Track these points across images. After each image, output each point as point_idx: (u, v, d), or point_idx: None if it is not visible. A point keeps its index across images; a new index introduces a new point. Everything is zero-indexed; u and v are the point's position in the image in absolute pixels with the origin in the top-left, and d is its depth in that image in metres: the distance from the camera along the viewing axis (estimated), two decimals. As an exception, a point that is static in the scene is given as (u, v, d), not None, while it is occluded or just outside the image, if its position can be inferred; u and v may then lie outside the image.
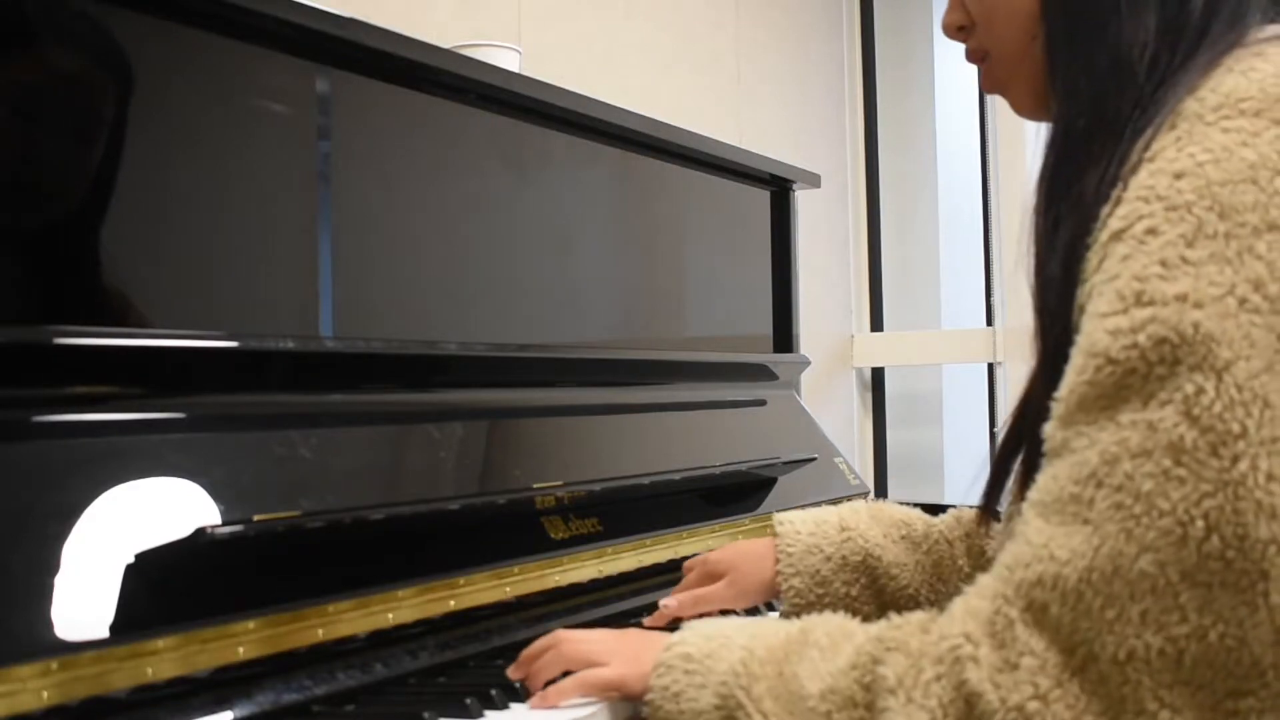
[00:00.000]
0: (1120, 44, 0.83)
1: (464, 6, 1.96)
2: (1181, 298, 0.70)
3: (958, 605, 0.77)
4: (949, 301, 3.36)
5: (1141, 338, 0.71)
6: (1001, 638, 0.72)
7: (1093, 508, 0.71)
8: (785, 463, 1.70)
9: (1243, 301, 0.70)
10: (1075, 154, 0.83)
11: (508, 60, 1.55)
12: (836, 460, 1.87)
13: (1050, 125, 0.89)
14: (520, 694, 0.96)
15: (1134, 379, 0.71)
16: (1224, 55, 0.79)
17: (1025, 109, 0.95)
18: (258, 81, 1.12)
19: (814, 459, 1.79)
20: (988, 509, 1.03)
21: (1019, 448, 0.92)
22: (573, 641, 0.96)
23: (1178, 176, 0.74)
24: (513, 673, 0.98)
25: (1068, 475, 0.73)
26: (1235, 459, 0.68)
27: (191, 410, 0.99)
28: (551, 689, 0.92)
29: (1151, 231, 0.73)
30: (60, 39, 0.95)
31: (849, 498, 1.75)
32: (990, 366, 3.12)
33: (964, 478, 3.25)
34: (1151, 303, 0.71)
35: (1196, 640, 0.68)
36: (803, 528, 1.21)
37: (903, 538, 1.21)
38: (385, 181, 1.26)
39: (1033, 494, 0.75)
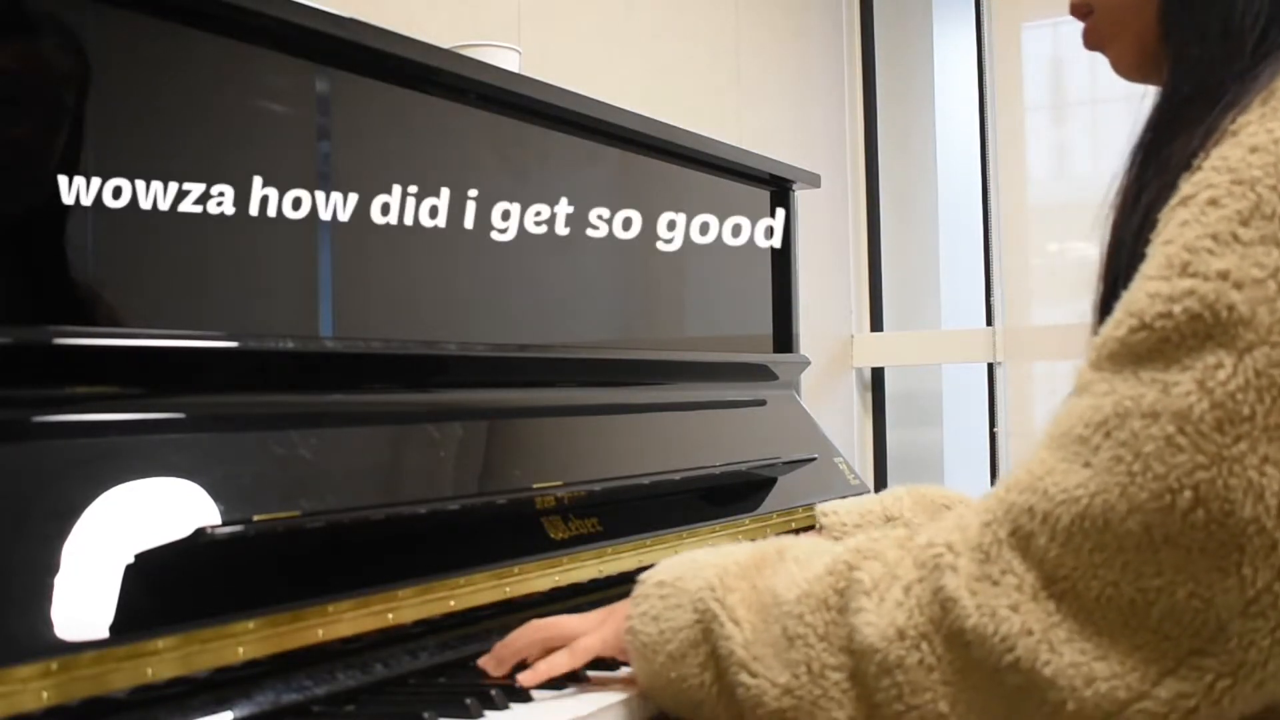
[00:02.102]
0: (1233, 13, 0.83)
1: (464, 6, 1.96)
2: (1224, 275, 0.71)
3: (950, 518, 0.80)
4: (949, 301, 3.36)
5: (1177, 309, 0.72)
6: (986, 552, 0.75)
7: (1097, 454, 0.73)
8: (785, 463, 1.70)
9: None
10: (1172, 120, 0.84)
11: (508, 60, 1.55)
12: (836, 460, 1.87)
13: (1158, 90, 0.89)
14: (521, 694, 0.95)
15: (1165, 346, 0.72)
16: None
17: (1125, 67, 0.95)
18: (258, 81, 1.12)
19: (814, 459, 1.79)
20: None
21: None
22: (546, 623, 0.99)
23: (1252, 150, 0.74)
24: (485, 664, 0.99)
25: (1080, 416, 0.75)
26: (1237, 438, 0.69)
27: (191, 410, 0.99)
28: (543, 663, 0.94)
29: (1213, 202, 0.74)
30: (58, 38, 0.95)
31: (849, 497, 1.75)
32: (990, 366, 3.12)
33: (964, 478, 3.25)
34: (1195, 275, 0.72)
35: (1166, 595, 0.70)
36: (848, 518, 1.23)
37: None
38: (385, 181, 1.26)
39: (1049, 424, 0.78)
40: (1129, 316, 0.74)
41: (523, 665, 0.97)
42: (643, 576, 0.93)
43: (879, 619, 0.77)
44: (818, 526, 1.25)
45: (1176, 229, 0.75)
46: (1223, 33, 0.83)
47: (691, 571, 0.89)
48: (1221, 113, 0.79)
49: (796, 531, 1.62)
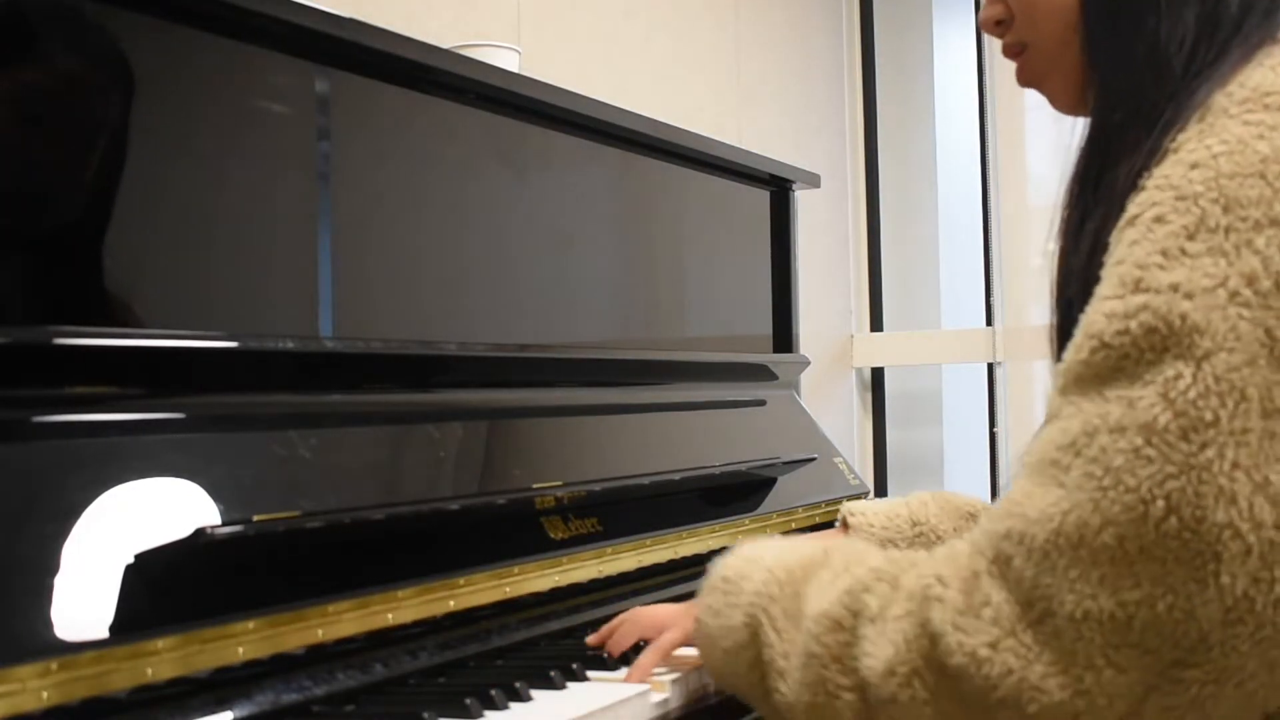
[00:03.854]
0: (1159, 38, 0.84)
1: (464, 6, 1.96)
2: (1174, 287, 0.73)
3: (943, 548, 0.81)
4: (949, 301, 3.35)
5: (1134, 324, 0.73)
6: (969, 584, 0.76)
7: (1068, 474, 0.74)
8: (785, 463, 1.70)
9: (1234, 295, 0.72)
10: (1109, 147, 0.85)
11: (507, 60, 1.55)
12: (836, 460, 1.87)
13: (1087, 121, 0.90)
14: (520, 694, 0.96)
15: (1126, 363, 0.74)
16: (1256, 50, 0.81)
17: (1062, 103, 0.96)
18: (258, 81, 1.12)
19: (814, 459, 1.79)
20: None
21: None
22: (644, 613, 1.08)
23: (1192, 167, 0.76)
24: (593, 640, 1.10)
25: (1052, 440, 0.76)
26: (1204, 445, 0.70)
27: (191, 410, 0.99)
28: (635, 665, 1.02)
29: (1159, 219, 0.75)
30: (59, 40, 0.95)
31: (849, 498, 1.75)
32: (990, 366, 3.12)
33: (964, 478, 3.25)
34: (1147, 290, 0.74)
35: (1147, 607, 0.70)
36: (875, 521, 1.24)
37: None
38: (385, 181, 1.26)
39: (1025, 454, 0.79)
40: (1088, 339, 0.76)
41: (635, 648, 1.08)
42: (712, 566, 0.96)
43: (876, 651, 0.79)
44: (839, 524, 1.27)
45: (1126, 248, 0.76)
46: (1150, 57, 0.84)
47: (751, 569, 0.92)
48: (1161, 132, 0.80)
49: (797, 532, 1.63)
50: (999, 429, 3.10)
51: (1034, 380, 3.12)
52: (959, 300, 3.32)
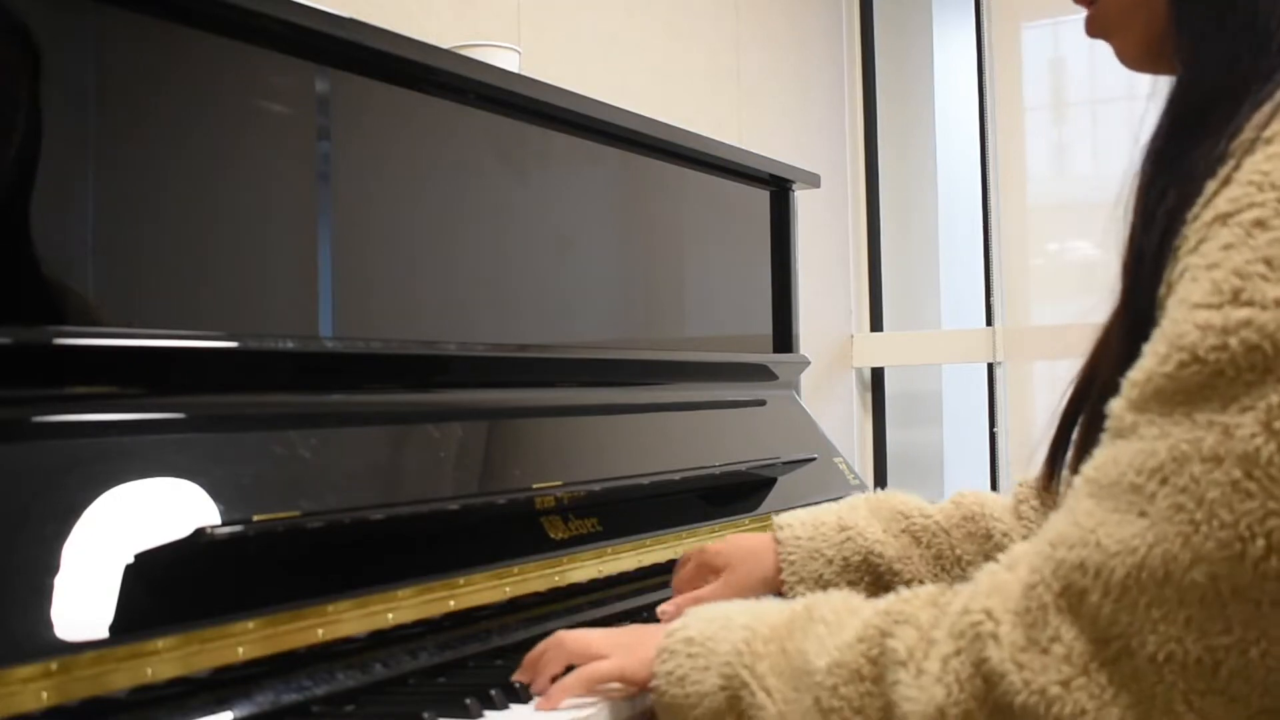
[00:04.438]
0: (1260, 5, 0.77)
1: (464, 6, 1.96)
2: None
3: (983, 579, 0.75)
4: (949, 301, 3.36)
5: (1234, 340, 0.67)
6: (1033, 618, 0.70)
7: (1153, 503, 0.67)
8: (785, 463, 1.70)
9: None
10: (1191, 121, 0.78)
11: (507, 60, 1.55)
12: (836, 460, 1.87)
13: (1170, 85, 0.83)
14: (520, 694, 0.95)
15: (1219, 380, 0.67)
16: None
17: (1130, 58, 0.89)
18: (258, 81, 1.12)
19: (814, 459, 1.79)
20: (1050, 476, 0.97)
21: (1078, 416, 0.89)
22: (573, 637, 0.96)
23: None
24: (519, 676, 0.98)
25: (1130, 462, 0.69)
26: None
27: (191, 410, 0.99)
28: (555, 686, 0.92)
29: (1260, 224, 0.68)
30: (58, 39, 0.95)
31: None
32: (990, 366, 3.12)
33: (964, 478, 3.25)
34: (1250, 304, 0.67)
35: (1238, 653, 0.65)
36: (802, 531, 1.20)
37: (903, 531, 1.20)
38: (385, 181, 1.26)
39: (1088, 470, 0.72)
40: (1177, 350, 0.68)
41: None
42: (670, 628, 0.88)
43: (919, 694, 0.73)
44: (774, 538, 1.20)
45: (1220, 251, 0.69)
46: (1248, 25, 0.77)
47: (722, 632, 0.85)
48: (1248, 113, 0.73)
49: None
50: (999, 429, 3.11)
51: (1034, 380, 3.12)
52: (959, 300, 3.32)
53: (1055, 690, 0.68)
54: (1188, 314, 0.69)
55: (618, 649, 0.93)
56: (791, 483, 1.72)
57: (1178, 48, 0.82)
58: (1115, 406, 0.72)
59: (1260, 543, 0.64)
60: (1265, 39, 0.76)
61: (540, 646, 0.97)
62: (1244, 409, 0.66)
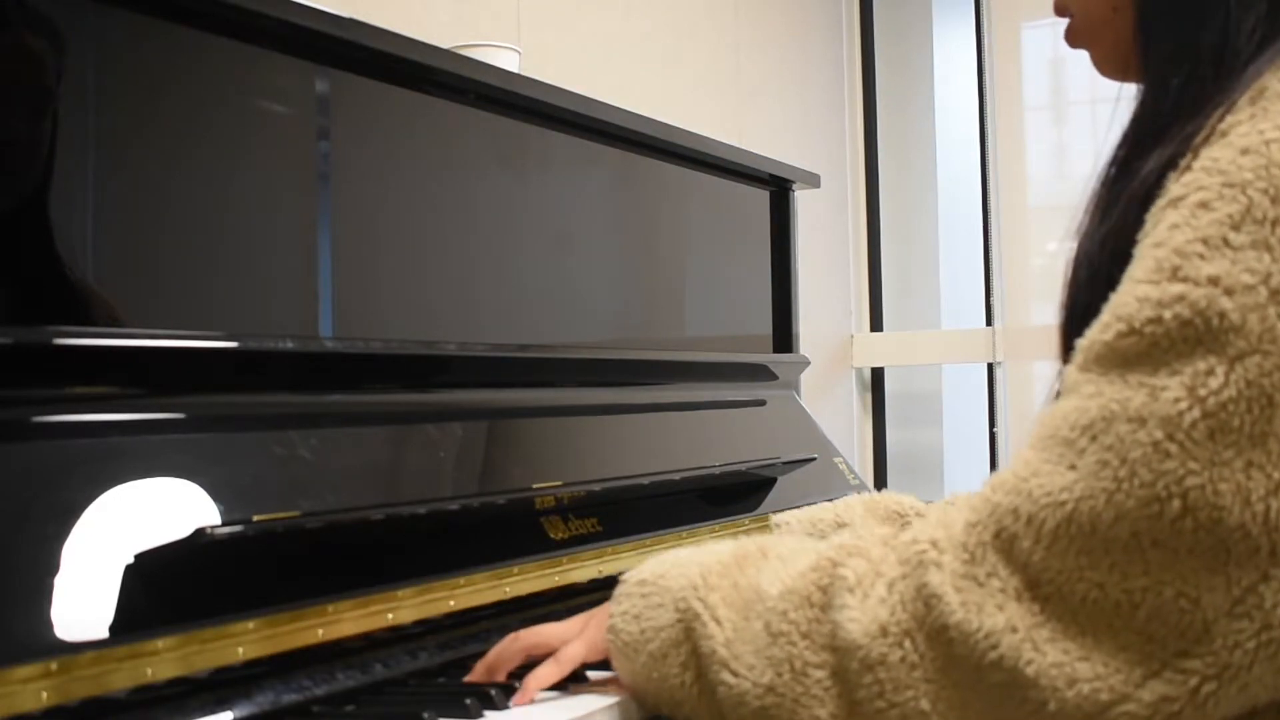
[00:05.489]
0: (1227, 31, 0.81)
1: (464, 6, 1.96)
2: (1214, 280, 0.70)
3: (933, 514, 0.80)
4: (949, 301, 3.36)
5: (1168, 314, 0.71)
6: (970, 554, 0.75)
7: (1083, 457, 0.72)
8: (785, 463, 1.70)
9: (1275, 294, 0.70)
10: (1148, 134, 0.83)
11: (507, 60, 1.55)
12: (836, 460, 1.87)
13: (1136, 94, 0.88)
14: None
15: (1155, 350, 0.72)
16: None
17: (1104, 69, 0.94)
18: (258, 81, 1.12)
19: (814, 459, 1.79)
20: None
21: None
22: (528, 632, 0.97)
23: (1243, 152, 0.73)
24: (474, 677, 0.98)
25: (1065, 417, 0.74)
26: (1226, 446, 0.69)
27: (191, 410, 0.99)
28: (529, 678, 0.93)
29: (1204, 205, 0.73)
30: (58, 38, 0.95)
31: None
32: (990, 366, 3.12)
33: (964, 478, 3.25)
34: (1185, 280, 0.71)
35: (1154, 594, 0.70)
36: (799, 530, 1.22)
37: (901, 529, 1.21)
38: (385, 181, 1.26)
39: (1036, 424, 0.77)
40: (1117, 320, 0.74)
41: (515, 674, 0.97)
42: (625, 576, 0.92)
43: (862, 615, 0.77)
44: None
45: (1166, 231, 0.74)
46: (1211, 50, 0.81)
47: (674, 570, 0.88)
48: (1209, 113, 0.77)
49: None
50: (999, 429, 3.11)
51: (1034, 380, 3.12)
52: (959, 300, 3.32)
53: (990, 609, 0.73)
54: (1130, 288, 0.74)
55: (573, 634, 0.95)
56: (791, 483, 1.72)
57: (1142, 64, 0.87)
58: (1067, 368, 0.77)
59: (1176, 503, 0.69)
60: (1231, 60, 0.80)
61: (493, 650, 0.98)
62: (1172, 373, 0.71)
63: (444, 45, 1.37)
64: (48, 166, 0.93)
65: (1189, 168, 0.75)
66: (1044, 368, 3.12)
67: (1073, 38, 0.95)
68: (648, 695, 0.89)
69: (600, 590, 1.29)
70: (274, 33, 1.11)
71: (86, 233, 0.97)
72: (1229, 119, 0.75)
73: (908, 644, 0.75)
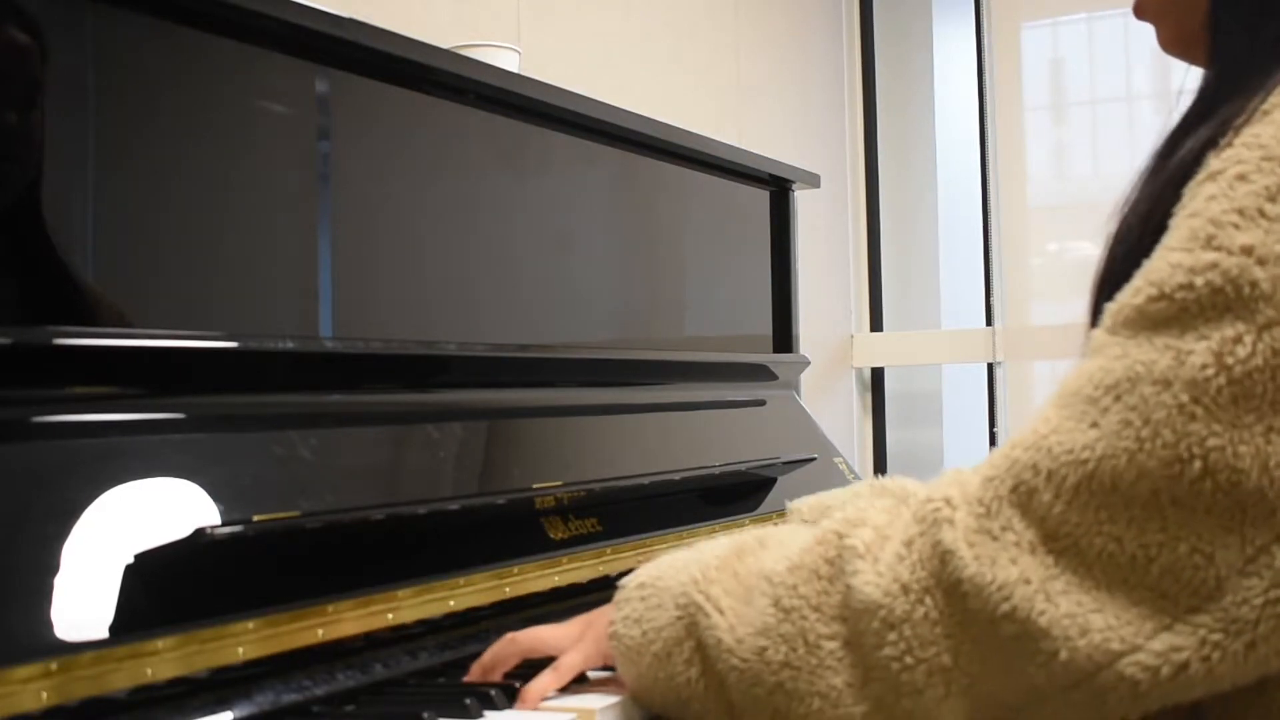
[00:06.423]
0: None
1: (464, 6, 1.96)
2: (1248, 250, 0.71)
3: (948, 475, 0.80)
4: (949, 301, 3.36)
5: (1199, 280, 0.72)
6: (985, 508, 0.75)
7: (1105, 416, 0.73)
8: (785, 463, 1.70)
9: None
10: (1208, 109, 0.83)
11: (507, 60, 1.55)
12: (836, 460, 1.87)
13: (1200, 81, 0.89)
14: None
15: (1184, 316, 0.72)
16: None
17: (1165, 44, 0.95)
18: (258, 81, 1.12)
19: (814, 459, 1.79)
20: None
21: None
22: (525, 634, 0.97)
23: None
24: (471, 678, 0.98)
25: (1090, 376, 0.75)
26: (1249, 411, 0.70)
27: (191, 410, 0.99)
28: (528, 688, 0.92)
29: (1241, 178, 0.73)
30: (58, 38, 0.95)
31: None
32: (990, 366, 3.12)
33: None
34: (1219, 248, 0.72)
35: (1169, 550, 0.71)
36: (809, 515, 1.23)
37: None
38: (385, 181, 1.26)
39: (1059, 383, 0.78)
40: (1148, 285, 0.74)
41: (511, 675, 0.97)
42: (623, 581, 0.92)
43: (879, 576, 0.77)
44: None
45: (1203, 203, 0.74)
46: (1277, 40, 0.82)
47: (672, 570, 0.89)
48: (1248, 98, 0.78)
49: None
50: (999, 429, 3.11)
51: (1034, 380, 3.13)
52: (959, 300, 3.33)
53: (1003, 561, 0.74)
54: (1164, 255, 0.75)
55: (571, 640, 0.95)
56: (791, 483, 1.72)
57: (1210, 47, 0.88)
58: (1096, 330, 0.78)
59: (1198, 464, 0.70)
60: None
61: (488, 651, 0.98)
62: (1200, 338, 0.71)
63: (444, 45, 1.37)
64: (47, 167, 0.93)
65: (1230, 144, 0.76)
66: (1044, 367, 3.12)
67: (1141, 11, 0.96)
68: (654, 697, 0.89)
69: (600, 590, 1.29)
70: (274, 33, 1.11)
71: (86, 233, 0.97)
72: (1270, 100, 0.76)
73: (929, 600, 0.76)
